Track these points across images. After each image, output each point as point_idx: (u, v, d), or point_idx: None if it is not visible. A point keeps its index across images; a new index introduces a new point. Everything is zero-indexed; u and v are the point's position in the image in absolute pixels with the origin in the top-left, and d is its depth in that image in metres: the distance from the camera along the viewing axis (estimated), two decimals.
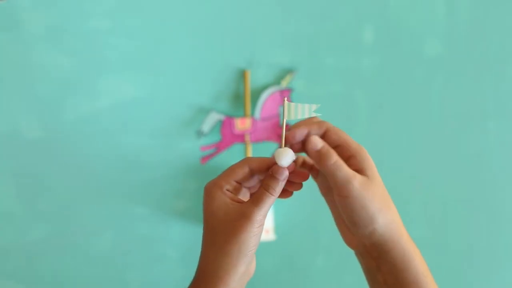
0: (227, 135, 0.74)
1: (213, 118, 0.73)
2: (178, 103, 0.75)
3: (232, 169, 0.49)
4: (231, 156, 0.76)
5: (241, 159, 0.49)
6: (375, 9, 0.76)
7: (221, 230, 0.47)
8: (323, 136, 0.49)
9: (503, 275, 0.85)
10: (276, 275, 0.82)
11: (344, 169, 0.46)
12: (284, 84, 0.74)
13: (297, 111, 0.51)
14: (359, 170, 0.47)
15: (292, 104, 0.50)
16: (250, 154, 0.75)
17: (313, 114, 0.51)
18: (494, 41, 0.78)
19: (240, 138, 0.75)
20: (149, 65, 0.74)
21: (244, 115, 0.75)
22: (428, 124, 0.80)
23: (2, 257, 0.76)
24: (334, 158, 0.46)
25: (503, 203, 0.83)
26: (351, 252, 0.82)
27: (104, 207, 0.77)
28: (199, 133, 0.74)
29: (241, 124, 0.74)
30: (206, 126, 0.73)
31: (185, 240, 0.79)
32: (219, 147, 0.75)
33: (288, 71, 0.74)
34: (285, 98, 0.52)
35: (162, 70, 0.74)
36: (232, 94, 0.75)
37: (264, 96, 0.74)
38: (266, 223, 0.69)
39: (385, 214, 0.49)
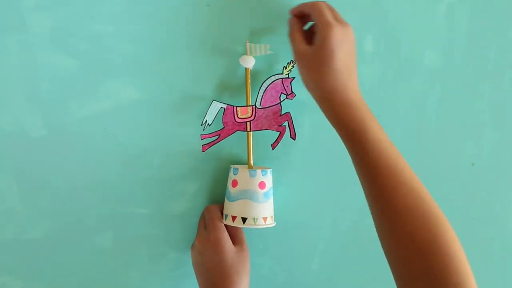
0: (229, 123, 0.74)
1: (216, 107, 0.73)
2: (180, 105, 0.76)
3: (219, 223, 0.74)
4: (232, 144, 0.77)
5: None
6: (375, 20, 0.77)
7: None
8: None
9: (490, 241, 0.86)
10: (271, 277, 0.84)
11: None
12: (285, 72, 0.74)
13: (256, 49, 0.73)
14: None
15: (252, 44, 0.73)
16: (251, 142, 0.75)
17: (268, 52, 0.72)
18: (492, 52, 0.80)
19: (242, 126, 0.75)
20: (151, 68, 0.75)
21: (245, 104, 0.75)
22: (426, 134, 0.81)
23: (2, 253, 0.77)
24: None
25: (499, 212, 0.85)
26: (346, 255, 0.84)
27: (104, 207, 0.78)
28: (204, 124, 0.74)
29: (243, 113, 0.74)
30: (210, 116, 0.73)
31: (185, 240, 0.80)
32: (221, 135, 0.75)
33: (290, 60, 0.74)
34: (247, 40, 0.73)
35: (164, 73, 0.75)
36: (235, 84, 0.76)
37: (265, 85, 0.74)
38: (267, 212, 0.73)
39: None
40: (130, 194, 0.78)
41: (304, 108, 0.77)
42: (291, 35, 0.68)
